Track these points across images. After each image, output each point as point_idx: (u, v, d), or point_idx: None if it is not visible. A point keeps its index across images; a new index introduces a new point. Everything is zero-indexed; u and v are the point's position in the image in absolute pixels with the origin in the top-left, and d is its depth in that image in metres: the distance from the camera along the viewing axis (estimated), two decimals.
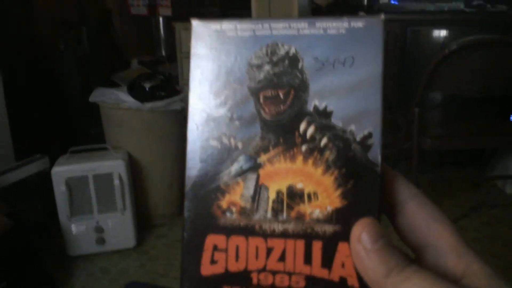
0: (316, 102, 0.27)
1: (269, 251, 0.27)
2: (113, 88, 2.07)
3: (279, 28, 0.28)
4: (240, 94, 0.28)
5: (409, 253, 0.27)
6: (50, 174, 1.81)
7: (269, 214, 0.27)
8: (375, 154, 0.26)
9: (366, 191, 0.26)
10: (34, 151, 2.03)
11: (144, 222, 2.11)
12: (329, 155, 0.27)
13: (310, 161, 0.27)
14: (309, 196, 0.27)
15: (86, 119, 2.49)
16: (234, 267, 0.27)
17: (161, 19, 3.13)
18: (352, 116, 0.27)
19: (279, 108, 0.28)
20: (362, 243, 0.25)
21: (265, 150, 0.28)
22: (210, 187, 0.28)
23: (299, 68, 0.27)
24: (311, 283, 0.26)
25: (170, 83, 2.12)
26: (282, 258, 0.27)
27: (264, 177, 0.27)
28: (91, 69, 2.59)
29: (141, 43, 3.25)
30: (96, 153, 1.95)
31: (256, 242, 0.27)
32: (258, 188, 0.27)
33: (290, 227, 0.27)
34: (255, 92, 0.28)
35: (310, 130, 0.27)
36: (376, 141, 0.27)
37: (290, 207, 0.27)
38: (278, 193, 0.27)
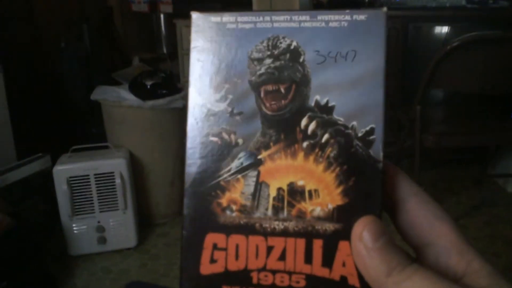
0: (318, 97, 0.27)
1: (269, 250, 0.26)
2: (114, 86, 2.06)
3: (281, 20, 0.27)
4: (240, 88, 0.27)
5: (410, 251, 0.26)
6: (51, 173, 1.81)
7: (270, 212, 0.27)
8: (377, 150, 0.26)
9: (367, 188, 0.26)
10: (36, 150, 2.03)
11: (145, 221, 2.11)
12: (331, 151, 0.26)
13: (311, 158, 0.27)
14: (310, 193, 0.26)
15: (87, 117, 2.49)
16: (234, 266, 0.27)
17: (162, 16, 3.13)
18: (354, 111, 0.26)
19: (280, 103, 0.27)
20: (363, 242, 0.25)
21: (266, 146, 0.27)
22: (210, 184, 0.27)
23: (301, 62, 0.27)
24: (312, 282, 0.26)
25: (172, 81, 2.12)
26: (282, 257, 0.26)
27: (265, 174, 0.27)
28: (92, 67, 2.59)
29: (142, 41, 3.25)
30: (98, 152, 1.95)
31: (256, 240, 0.27)
32: (259, 186, 0.27)
33: (291, 225, 0.26)
34: (256, 87, 0.27)
35: (312, 126, 0.27)
36: (378, 137, 0.26)
37: (291, 205, 0.26)
38: (279, 190, 0.27)
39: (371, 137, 0.26)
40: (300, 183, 0.27)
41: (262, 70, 0.27)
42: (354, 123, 0.26)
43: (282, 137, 0.27)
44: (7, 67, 2.11)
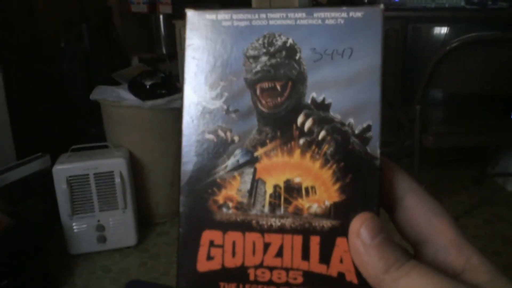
0: (314, 94, 0.27)
1: (266, 246, 0.26)
2: (113, 86, 2.06)
3: (276, 18, 0.27)
4: (236, 86, 0.27)
5: (408, 248, 0.26)
6: (51, 173, 1.81)
7: (266, 209, 0.27)
8: (374, 147, 0.26)
9: (365, 185, 0.26)
10: (35, 149, 2.03)
11: (145, 221, 2.11)
12: (328, 148, 0.26)
13: (308, 155, 0.26)
14: (306, 190, 0.26)
15: (87, 117, 2.49)
16: (230, 263, 0.27)
17: (161, 16, 3.13)
18: (350, 109, 0.26)
19: (276, 100, 0.27)
20: (361, 238, 0.25)
21: (262, 143, 0.27)
22: (206, 182, 0.27)
23: (297, 60, 0.27)
24: (309, 279, 0.26)
25: (171, 81, 2.12)
26: (279, 253, 0.26)
27: (261, 171, 0.27)
28: (92, 67, 2.59)
29: (141, 41, 3.25)
30: (97, 151, 1.95)
31: (253, 237, 0.27)
32: (255, 183, 0.27)
33: (288, 222, 0.26)
34: (251, 84, 0.27)
35: (308, 123, 0.27)
36: (375, 134, 0.26)
37: (287, 202, 0.26)
38: (276, 187, 0.27)
39: (368, 134, 0.26)
40: (297, 180, 0.26)
41: (258, 68, 0.27)
42: (351, 120, 0.26)
43: (279, 135, 0.27)
44: (6, 67, 2.11)
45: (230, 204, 0.27)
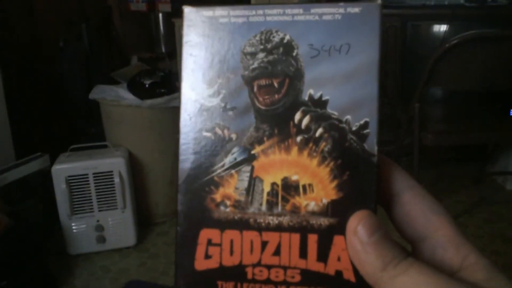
0: (312, 91, 0.27)
1: (264, 245, 0.26)
2: (113, 85, 2.06)
3: (273, 14, 0.27)
4: (233, 83, 0.27)
5: (406, 246, 0.26)
6: (50, 173, 1.81)
7: (264, 207, 0.26)
8: (372, 144, 0.26)
9: (362, 182, 0.26)
10: (35, 149, 2.03)
11: (144, 221, 2.11)
12: (325, 145, 0.26)
13: (305, 152, 0.26)
14: (304, 188, 0.26)
15: (86, 116, 2.49)
16: (228, 261, 0.27)
17: (160, 15, 3.12)
18: (348, 105, 0.26)
19: (274, 97, 0.27)
20: (358, 236, 0.24)
21: (260, 141, 0.27)
22: (204, 180, 0.27)
23: (294, 56, 0.27)
24: (307, 277, 0.26)
25: (170, 80, 2.12)
26: (277, 252, 0.26)
27: (259, 169, 0.27)
28: (91, 67, 2.59)
29: (140, 40, 3.24)
30: (97, 151, 1.95)
31: (250, 236, 0.26)
32: (253, 181, 0.27)
33: (285, 220, 0.26)
34: (249, 81, 0.27)
35: (305, 120, 0.26)
36: (372, 131, 0.26)
37: (285, 200, 0.26)
38: (273, 185, 0.27)
39: (365, 131, 0.26)
40: (294, 177, 0.26)
41: (255, 65, 0.27)
42: (348, 117, 0.26)
43: (276, 132, 0.27)
44: (6, 67, 2.11)
45: (228, 202, 0.27)
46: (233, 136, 0.27)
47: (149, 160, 2.06)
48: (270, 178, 0.27)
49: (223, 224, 0.27)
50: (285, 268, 0.26)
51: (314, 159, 0.26)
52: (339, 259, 0.26)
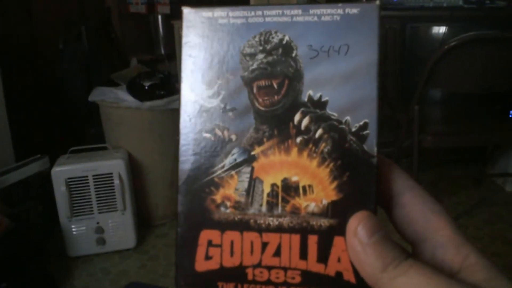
0: (311, 92, 0.27)
1: (264, 246, 0.26)
2: (112, 87, 2.06)
3: (272, 15, 0.27)
4: (233, 84, 0.27)
5: (406, 246, 0.26)
6: (50, 175, 1.80)
7: (264, 208, 0.26)
8: (371, 145, 0.26)
9: (362, 183, 0.26)
10: (34, 151, 2.03)
11: (144, 222, 2.11)
12: (324, 146, 0.26)
13: (305, 153, 0.26)
14: (304, 189, 0.26)
15: (86, 118, 2.49)
16: (229, 262, 0.27)
17: (159, 17, 3.13)
18: (347, 106, 0.26)
19: (273, 98, 0.27)
20: (358, 237, 0.24)
21: (259, 142, 0.27)
22: (204, 181, 0.27)
23: (293, 57, 0.27)
24: (307, 278, 0.26)
25: (170, 82, 2.11)
26: (277, 253, 0.26)
27: (259, 170, 0.27)
28: (91, 68, 2.59)
29: (140, 42, 3.24)
30: (96, 153, 1.95)
31: (251, 237, 0.26)
32: (253, 182, 0.27)
33: (285, 221, 0.26)
34: (248, 82, 0.27)
35: (305, 121, 0.27)
36: (372, 132, 0.26)
37: (285, 201, 0.26)
38: (273, 186, 0.27)
39: (365, 132, 0.26)
40: (294, 178, 0.26)
41: (255, 66, 0.27)
42: (348, 118, 0.26)
43: (276, 133, 0.27)
44: (5, 68, 2.11)
45: (228, 204, 0.27)
46: (233, 137, 0.27)
47: (148, 162, 2.06)
48: (270, 179, 0.27)
49: (224, 225, 0.27)
50: (285, 269, 0.26)
51: (314, 160, 0.26)
52: (339, 260, 0.26)
